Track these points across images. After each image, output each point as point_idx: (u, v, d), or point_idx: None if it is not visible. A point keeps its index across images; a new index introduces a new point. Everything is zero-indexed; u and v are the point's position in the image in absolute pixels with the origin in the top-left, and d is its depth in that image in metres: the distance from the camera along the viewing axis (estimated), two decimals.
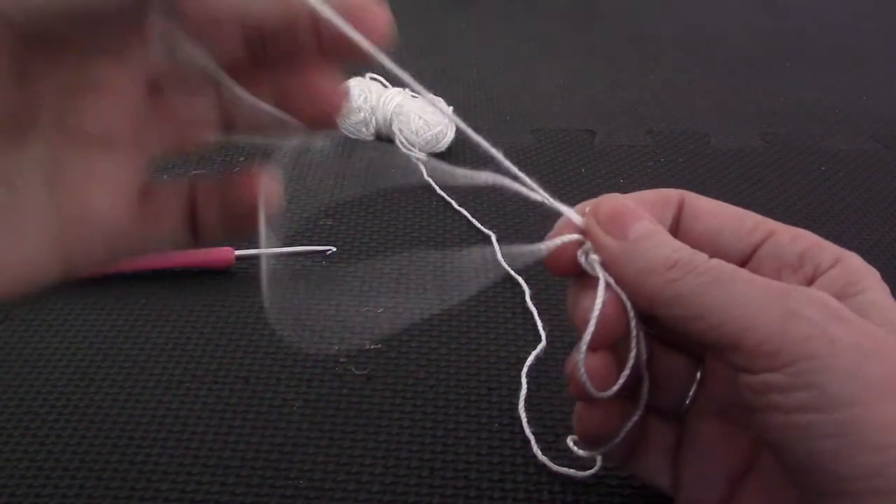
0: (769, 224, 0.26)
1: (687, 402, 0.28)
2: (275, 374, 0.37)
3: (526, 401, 0.35)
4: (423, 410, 0.35)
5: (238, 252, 0.43)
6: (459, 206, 0.50)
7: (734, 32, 0.82)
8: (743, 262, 0.26)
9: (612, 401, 0.26)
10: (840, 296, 0.23)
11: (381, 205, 0.50)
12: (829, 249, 0.25)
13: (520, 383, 0.36)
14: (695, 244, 0.26)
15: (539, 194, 0.26)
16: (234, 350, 0.38)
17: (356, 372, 0.37)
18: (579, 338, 0.25)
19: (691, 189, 0.28)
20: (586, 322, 0.25)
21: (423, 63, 0.71)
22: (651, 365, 0.28)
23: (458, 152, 0.56)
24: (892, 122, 0.64)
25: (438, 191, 0.51)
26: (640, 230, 0.24)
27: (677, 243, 0.24)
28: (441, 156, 0.55)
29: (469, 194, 0.51)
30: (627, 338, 0.26)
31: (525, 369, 0.37)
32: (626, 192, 0.55)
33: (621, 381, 0.26)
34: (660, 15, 0.86)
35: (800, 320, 0.21)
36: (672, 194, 0.28)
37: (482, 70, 0.71)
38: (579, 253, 0.26)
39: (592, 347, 0.25)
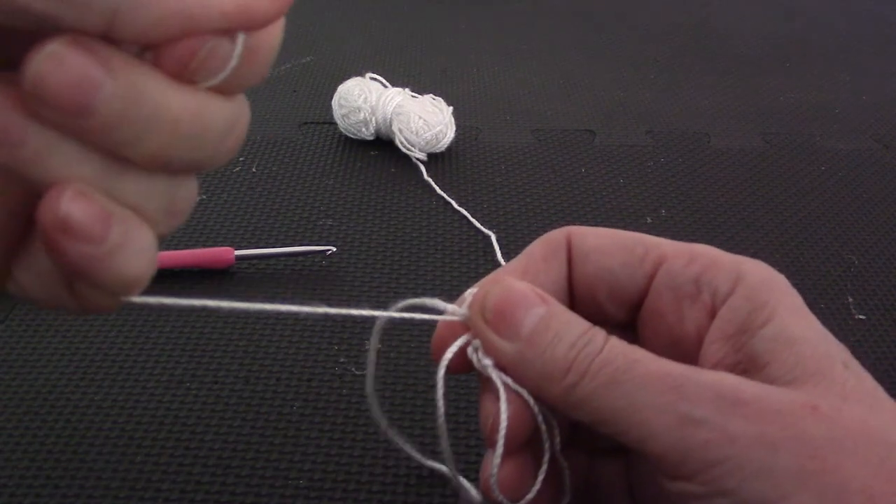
0: (661, 247, 0.25)
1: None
2: (275, 374, 0.37)
3: None
4: (422, 411, 0.35)
5: (238, 252, 0.43)
6: (459, 206, 0.50)
7: (734, 33, 0.82)
8: (642, 296, 0.25)
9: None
10: (746, 329, 0.22)
11: (381, 205, 0.50)
12: (724, 268, 0.24)
13: None
14: (591, 286, 0.25)
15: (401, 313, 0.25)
16: (234, 350, 0.38)
17: (356, 372, 0.37)
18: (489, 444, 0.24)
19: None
20: (493, 431, 0.23)
21: (423, 63, 0.71)
22: None
23: (459, 152, 0.56)
24: (892, 122, 0.64)
25: (438, 191, 0.51)
26: (533, 321, 0.22)
27: (574, 328, 0.22)
28: (441, 156, 0.55)
29: (469, 194, 0.51)
30: (537, 430, 0.24)
31: None
32: (625, 193, 0.55)
33: (537, 485, 0.24)
34: (660, 15, 0.86)
35: (695, 426, 0.20)
36: (558, 237, 0.26)
37: (482, 70, 0.71)
38: (469, 352, 0.24)
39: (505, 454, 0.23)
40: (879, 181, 0.55)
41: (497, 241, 0.47)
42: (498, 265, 0.32)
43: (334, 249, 0.44)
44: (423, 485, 0.32)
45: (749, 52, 0.77)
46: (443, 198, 0.51)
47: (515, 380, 0.23)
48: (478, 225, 0.48)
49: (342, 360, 0.38)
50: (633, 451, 0.22)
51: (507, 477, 0.24)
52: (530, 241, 0.26)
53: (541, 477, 0.24)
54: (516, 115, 0.62)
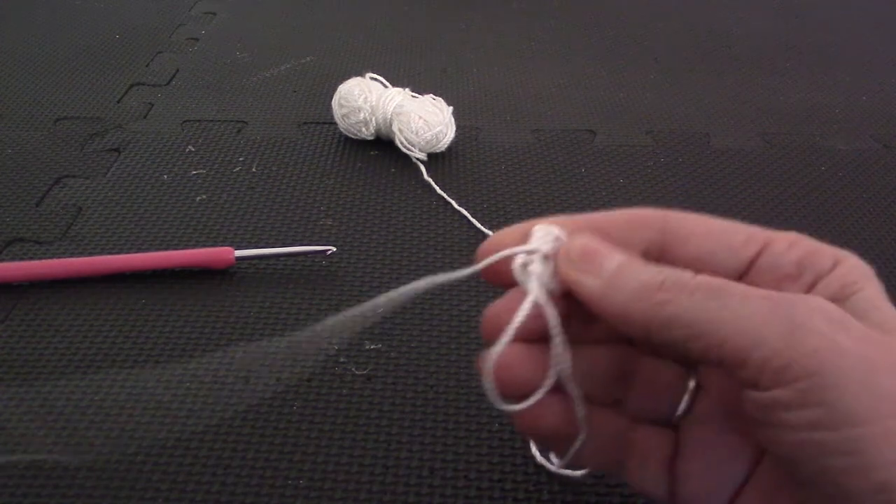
0: (763, 234, 0.25)
1: (680, 411, 0.27)
2: (275, 374, 0.37)
3: None
4: (423, 410, 0.35)
5: (238, 252, 0.43)
6: (459, 206, 0.50)
7: (734, 32, 0.82)
8: (739, 278, 0.25)
9: (543, 402, 0.25)
10: (838, 297, 0.23)
11: (381, 205, 0.50)
12: (826, 253, 0.24)
13: None
14: (686, 267, 0.25)
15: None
16: (234, 350, 0.38)
17: (356, 372, 0.37)
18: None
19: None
20: (504, 318, 0.24)
21: (423, 63, 0.71)
22: (636, 374, 0.27)
23: (459, 152, 0.56)
24: (892, 122, 0.64)
25: (438, 191, 0.51)
26: (615, 262, 0.24)
27: (655, 266, 0.23)
28: (441, 156, 0.55)
29: (469, 194, 0.51)
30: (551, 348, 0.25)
31: None
32: (625, 193, 0.55)
33: (538, 395, 0.25)
34: (660, 15, 0.86)
35: (808, 333, 0.20)
36: (650, 217, 0.26)
37: (482, 70, 0.71)
38: (515, 265, 0.25)
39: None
40: (879, 181, 0.55)
41: None
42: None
43: (334, 249, 0.44)
44: (423, 485, 0.32)
45: (749, 52, 0.77)
46: (443, 198, 0.51)
47: (598, 312, 0.24)
48: (478, 225, 0.48)
49: (342, 360, 0.38)
50: (718, 368, 0.22)
51: (506, 360, 0.24)
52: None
53: (543, 389, 0.25)
54: (516, 115, 0.62)
